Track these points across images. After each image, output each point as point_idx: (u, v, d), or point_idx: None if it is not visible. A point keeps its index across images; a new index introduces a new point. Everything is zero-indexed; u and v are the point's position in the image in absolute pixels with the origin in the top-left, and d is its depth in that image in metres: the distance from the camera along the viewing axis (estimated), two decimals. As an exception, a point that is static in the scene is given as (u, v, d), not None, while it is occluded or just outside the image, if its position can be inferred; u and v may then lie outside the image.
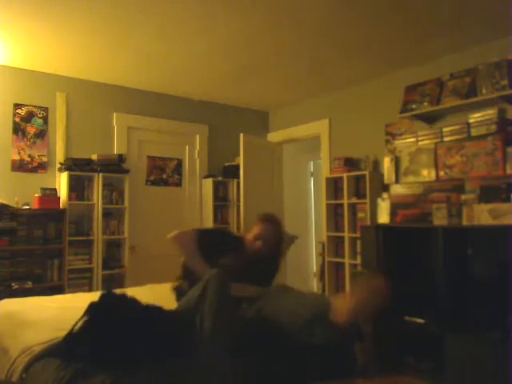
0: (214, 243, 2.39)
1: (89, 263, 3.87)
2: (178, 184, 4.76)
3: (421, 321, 3.08)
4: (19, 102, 3.82)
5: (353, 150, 4.28)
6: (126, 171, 4.14)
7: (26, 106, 3.85)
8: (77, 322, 1.63)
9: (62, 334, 1.68)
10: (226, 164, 4.94)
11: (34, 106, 3.89)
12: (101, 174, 3.92)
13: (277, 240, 2.47)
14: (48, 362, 1.64)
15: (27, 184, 3.76)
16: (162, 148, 4.65)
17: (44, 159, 3.91)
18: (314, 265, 6.14)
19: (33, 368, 1.67)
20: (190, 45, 3.39)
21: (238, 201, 4.73)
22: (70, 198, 3.80)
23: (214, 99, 4.91)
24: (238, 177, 4.74)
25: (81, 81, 4.13)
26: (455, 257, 2.96)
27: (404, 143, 3.61)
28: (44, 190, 3.72)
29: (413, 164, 3.51)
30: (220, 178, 4.83)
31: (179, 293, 2.31)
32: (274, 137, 5.28)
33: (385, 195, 3.66)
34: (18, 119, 3.80)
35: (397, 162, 3.65)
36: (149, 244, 4.35)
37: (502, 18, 2.84)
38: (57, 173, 3.94)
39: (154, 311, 1.69)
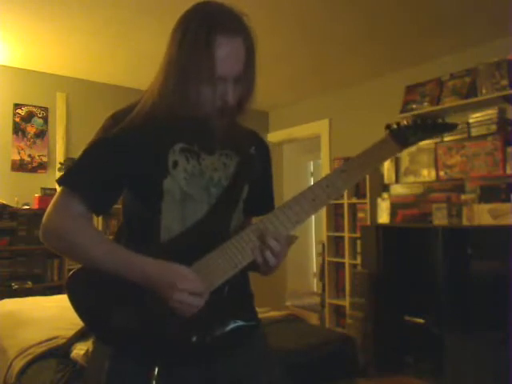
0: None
1: (89, 263, 3.86)
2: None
3: (421, 321, 3.08)
4: (19, 102, 3.81)
5: (353, 150, 4.23)
6: (126, 171, 4.13)
7: (26, 105, 3.85)
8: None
9: (61, 333, 1.68)
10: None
11: (34, 106, 3.89)
12: (101, 174, 3.91)
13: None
14: (45, 364, 1.63)
15: (27, 184, 3.76)
16: (162, 148, 4.64)
17: (44, 159, 3.91)
18: (314, 265, 6.14)
19: (30, 370, 1.67)
20: (189, 45, 3.38)
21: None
22: (69, 197, 3.80)
23: (214, 99, 4.90)
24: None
25: (81, 81, 4.13)
26: (455, 257, 2.96)
27: (404, 143, 3.61)
28: (44, 189, 3.72)
29: (413, 164, 3.51)
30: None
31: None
32: (273, 137, 5.27)
33: (385, 195, 3.67)
34: (18, 119, 3.80)
35: (397, 161, 3.65)
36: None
37: (502, 17, 2.83)
38: (57, 173, 3.93)
39: None
